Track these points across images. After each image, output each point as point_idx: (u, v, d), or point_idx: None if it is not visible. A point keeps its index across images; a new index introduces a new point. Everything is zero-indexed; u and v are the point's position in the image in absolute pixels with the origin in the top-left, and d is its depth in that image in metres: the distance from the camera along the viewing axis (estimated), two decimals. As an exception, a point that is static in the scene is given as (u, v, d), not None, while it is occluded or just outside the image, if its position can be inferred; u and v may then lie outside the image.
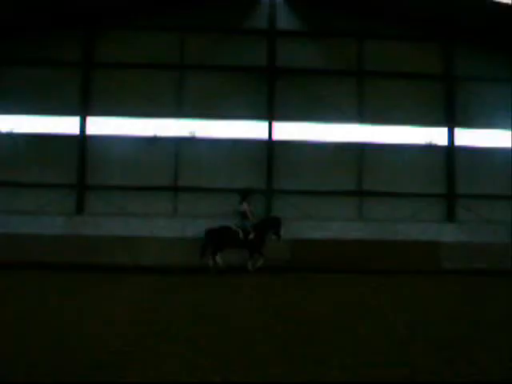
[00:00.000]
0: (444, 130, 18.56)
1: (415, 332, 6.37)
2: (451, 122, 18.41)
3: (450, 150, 18.36)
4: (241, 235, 14.45)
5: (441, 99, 18.63)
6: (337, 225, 17.50)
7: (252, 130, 18.39)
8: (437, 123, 18.57)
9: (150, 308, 7.90)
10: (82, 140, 17.99)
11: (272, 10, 18.65)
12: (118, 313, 7.43)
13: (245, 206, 14.83)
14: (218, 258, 14.46)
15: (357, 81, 18.68)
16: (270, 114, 18.16)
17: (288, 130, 18.44)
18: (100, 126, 18.25)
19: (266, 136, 18.18)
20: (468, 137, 18.59)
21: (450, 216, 18.12)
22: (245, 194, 15.14)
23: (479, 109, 18.50)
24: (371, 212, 18.15)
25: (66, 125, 18.20)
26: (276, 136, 18.25)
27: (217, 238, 14.51)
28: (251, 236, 14.48)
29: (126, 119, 18.20)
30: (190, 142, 18.19)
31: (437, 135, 18.65)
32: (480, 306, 8.95)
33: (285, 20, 18.73)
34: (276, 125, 18.28)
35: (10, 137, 17.98)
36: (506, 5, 15.56)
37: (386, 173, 18.24)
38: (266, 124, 18.24)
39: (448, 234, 17.66)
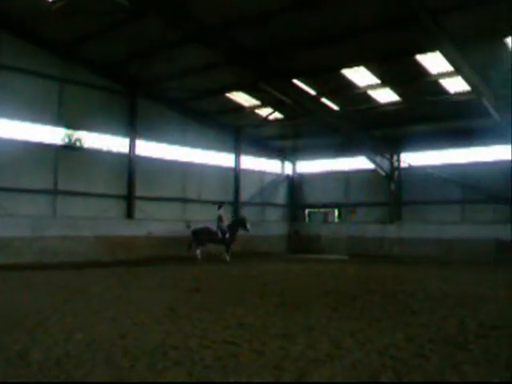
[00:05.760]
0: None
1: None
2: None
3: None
4: (219, 235, 19.15)
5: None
6: None
7: None
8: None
9: None
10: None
11: None
12: None
13: (221, 212, 19.70)
14: (198, 251, 19.05)
15: None
16: None
17: None
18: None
19: None
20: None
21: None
22: (220, 204, 20.15)
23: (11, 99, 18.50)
24: None
25: None
26: None
27: (203, 236, 19.08)
28: (227, 235, 19.31)
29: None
30: None
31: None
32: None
33: None
34: None
35: None
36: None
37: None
38: None
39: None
